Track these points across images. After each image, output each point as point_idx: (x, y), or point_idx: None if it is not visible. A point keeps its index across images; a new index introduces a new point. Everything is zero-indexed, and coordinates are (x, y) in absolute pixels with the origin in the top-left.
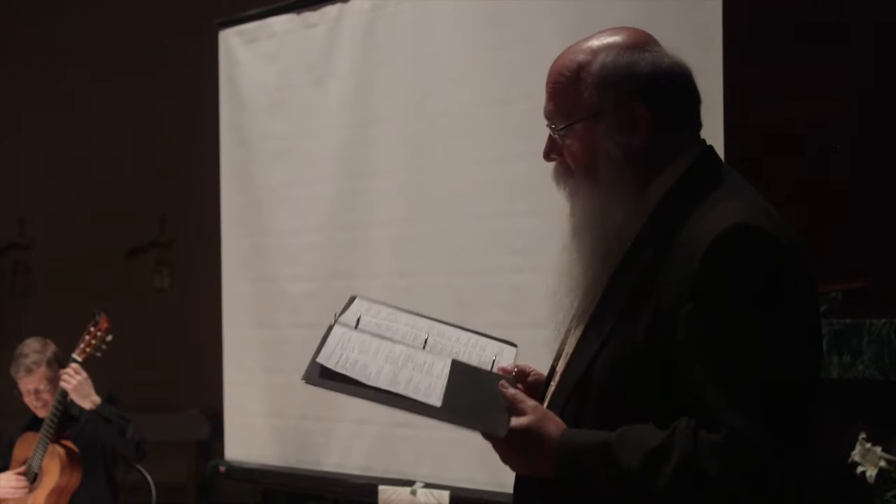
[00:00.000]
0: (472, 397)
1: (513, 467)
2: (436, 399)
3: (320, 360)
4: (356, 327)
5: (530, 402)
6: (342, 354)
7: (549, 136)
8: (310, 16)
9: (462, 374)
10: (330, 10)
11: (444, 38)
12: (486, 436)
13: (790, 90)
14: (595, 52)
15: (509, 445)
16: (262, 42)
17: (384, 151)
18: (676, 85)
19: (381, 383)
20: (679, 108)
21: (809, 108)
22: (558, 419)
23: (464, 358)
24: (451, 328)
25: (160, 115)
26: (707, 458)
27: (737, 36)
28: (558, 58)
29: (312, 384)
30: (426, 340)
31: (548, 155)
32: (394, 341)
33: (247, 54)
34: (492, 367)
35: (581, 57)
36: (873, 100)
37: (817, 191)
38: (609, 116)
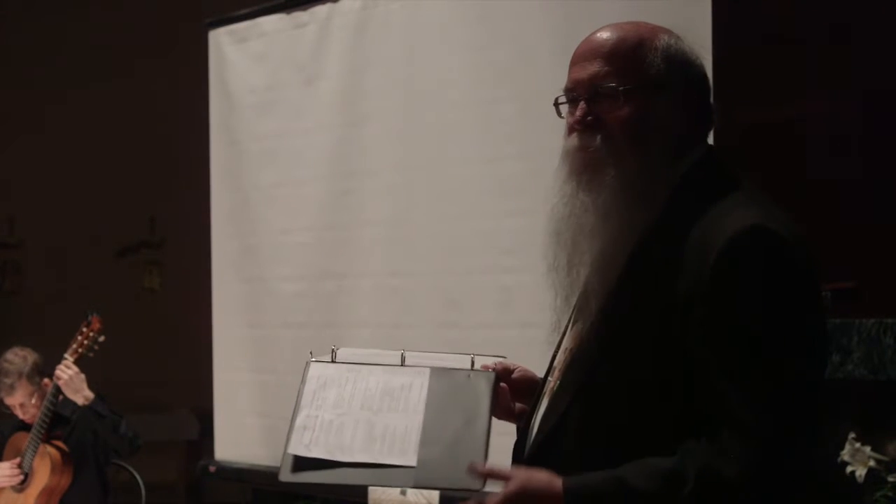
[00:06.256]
0: (451, 423)
1: None
2: (412, 450)
3: (291, 450)
4: (333, 361)
5: (506, 469)
6: (315, 423)
7: (585, 101)
8: (300, 15)
9: (441, 391)
10: (320, 10)
11: (434, 38)
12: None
13: (779, 91)
14: (653, 30)
15: None
16: (252, 42)
17: (374, 151)
18: (707, 87)
19: (357, 450)
20: (706, 108)
21: (799, 109)
22: (543, 470)
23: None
24: (432, 354)
25: (150, 115)
26: (725, 463)
27: (725, 35)
28: (598, 32)
29: (287, 480)
30: (403, 357)
31: (584, 118)
32: (372, 365)
33: (237, 54)
34: (471, 365)
35: (635, 31)
36: (864, 100)
37: (806, 191)
38: (672, 92)
